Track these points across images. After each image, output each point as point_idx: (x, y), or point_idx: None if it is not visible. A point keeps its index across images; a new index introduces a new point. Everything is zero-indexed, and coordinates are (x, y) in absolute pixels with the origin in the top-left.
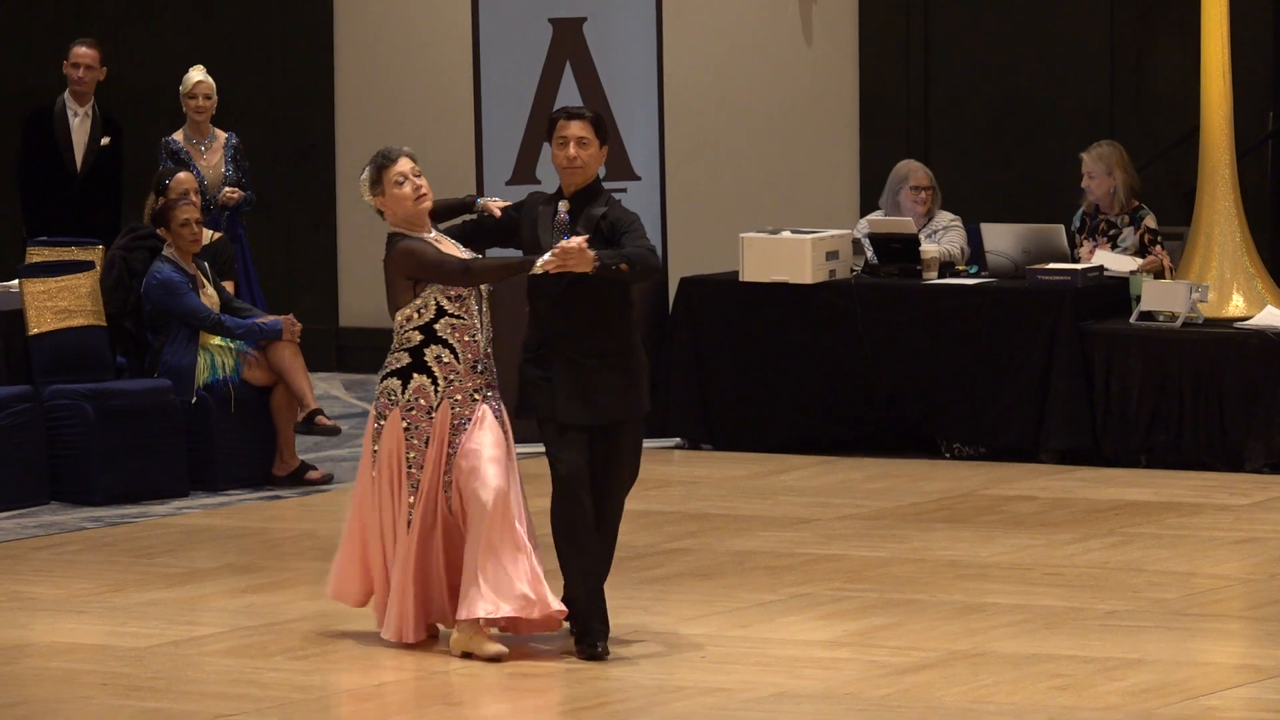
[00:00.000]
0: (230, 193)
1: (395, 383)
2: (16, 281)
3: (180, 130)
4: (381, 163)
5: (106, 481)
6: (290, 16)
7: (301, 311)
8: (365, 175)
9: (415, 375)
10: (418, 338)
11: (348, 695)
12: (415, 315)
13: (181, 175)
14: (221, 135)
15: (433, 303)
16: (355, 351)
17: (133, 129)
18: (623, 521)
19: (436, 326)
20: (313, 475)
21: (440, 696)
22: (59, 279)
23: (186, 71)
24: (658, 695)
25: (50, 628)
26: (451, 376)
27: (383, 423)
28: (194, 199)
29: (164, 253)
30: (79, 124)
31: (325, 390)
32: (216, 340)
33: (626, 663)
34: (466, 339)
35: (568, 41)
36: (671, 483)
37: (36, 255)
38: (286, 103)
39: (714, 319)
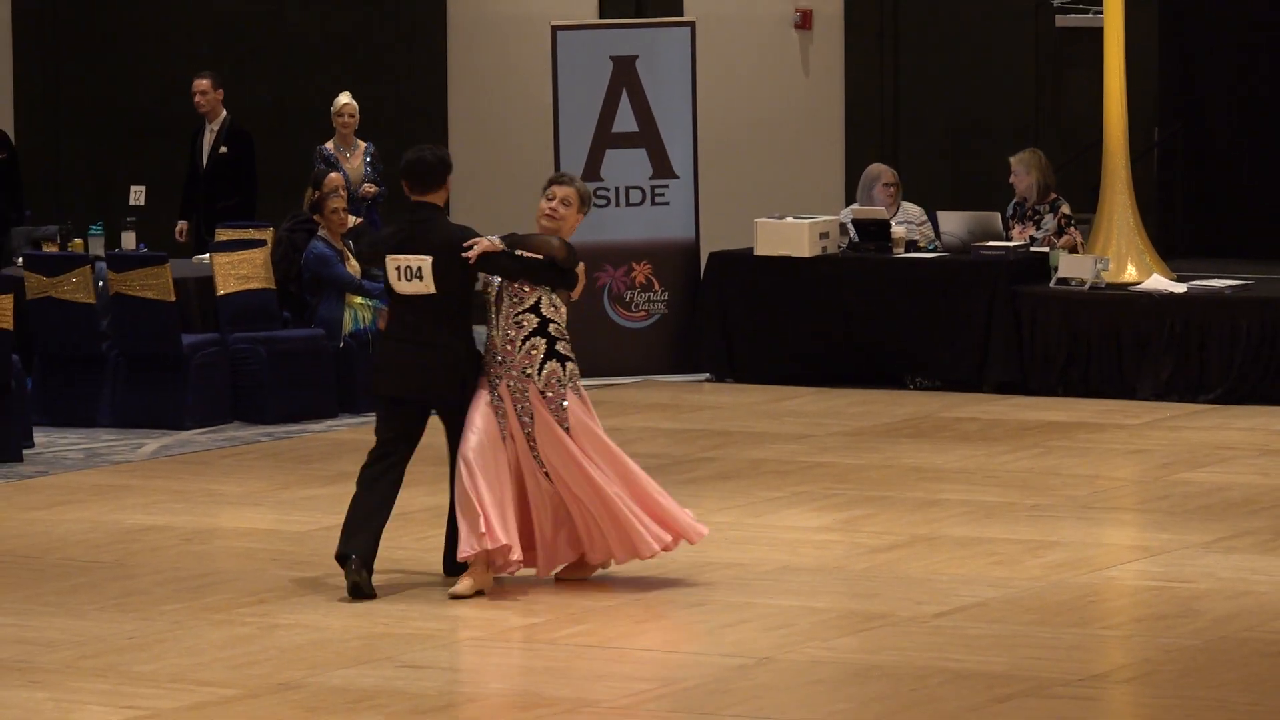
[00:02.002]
0: (368, 188)
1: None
2: (209, 255)
3: (330, 140)
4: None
5: (275, 406)
6: (413, 52)
7: None
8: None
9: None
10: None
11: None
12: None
13: (332, 175)
14: (362, 144)
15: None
16: None
17: (280, 136)
18: (665, 436)
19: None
20: None
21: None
22: (240, 253)
23: (337, 95)
24: (691, 568)
25: (233, 516)
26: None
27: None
28: (341, 193)
29: (319, 234)
30: (208, 136)
31: None
32: (358, 299)
33: None
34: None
35: (624, 74)
36: (702, 408)
37: (223, 235)
38: (410, 119)
39: (735, 283)
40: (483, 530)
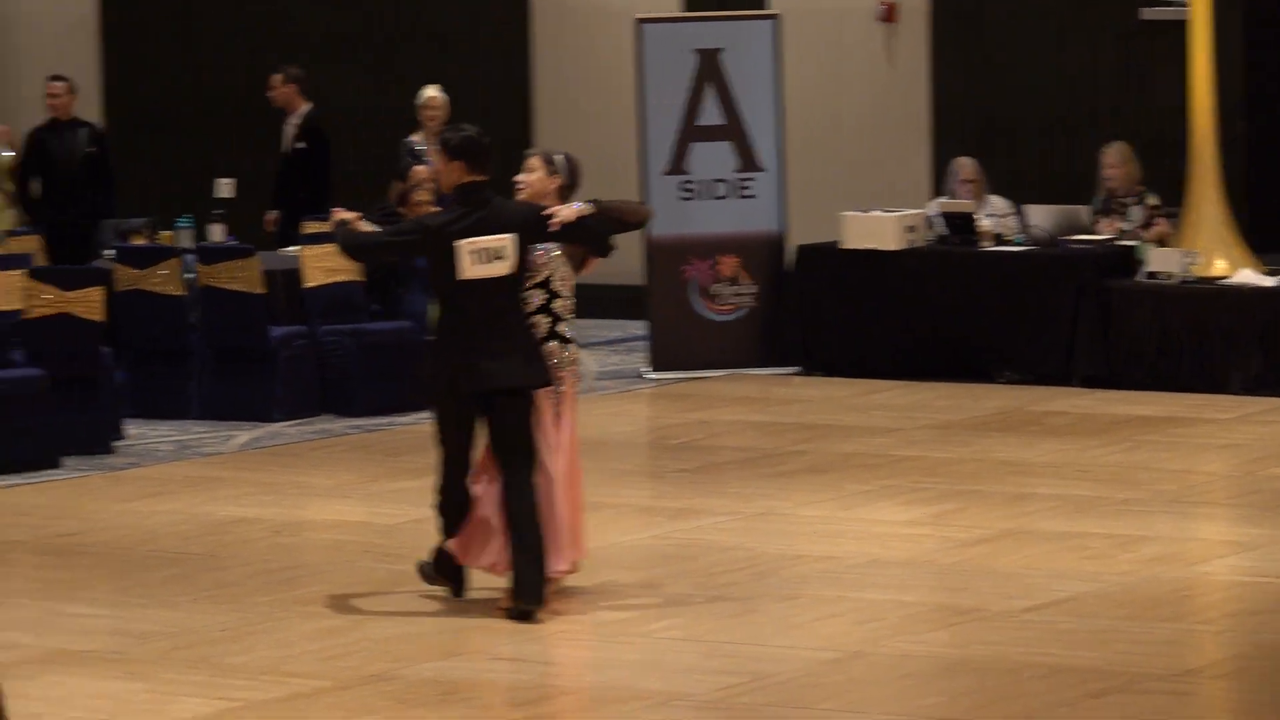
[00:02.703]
0: None
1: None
2: (297, 247)
3: (417, 133)
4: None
5: (364, 398)
6: (499, 46)
7: None
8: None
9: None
10: (535, 299)
11: None
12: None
13: (418, 168)
14: None
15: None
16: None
17: (367, 129)
18: (753, 429)
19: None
20: None
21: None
22: (328, 245)
23: (424, 88)
24: (782, 562)
25: (323, 508)
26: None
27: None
28: (427, 186)
29: None
30: (287, 130)
31: None
32: None
33: (759, 537)
34: None
35: (709, 66)
36: (790, 401)
37: (311, 227)
38: (496, 112)
39: (822, 276)
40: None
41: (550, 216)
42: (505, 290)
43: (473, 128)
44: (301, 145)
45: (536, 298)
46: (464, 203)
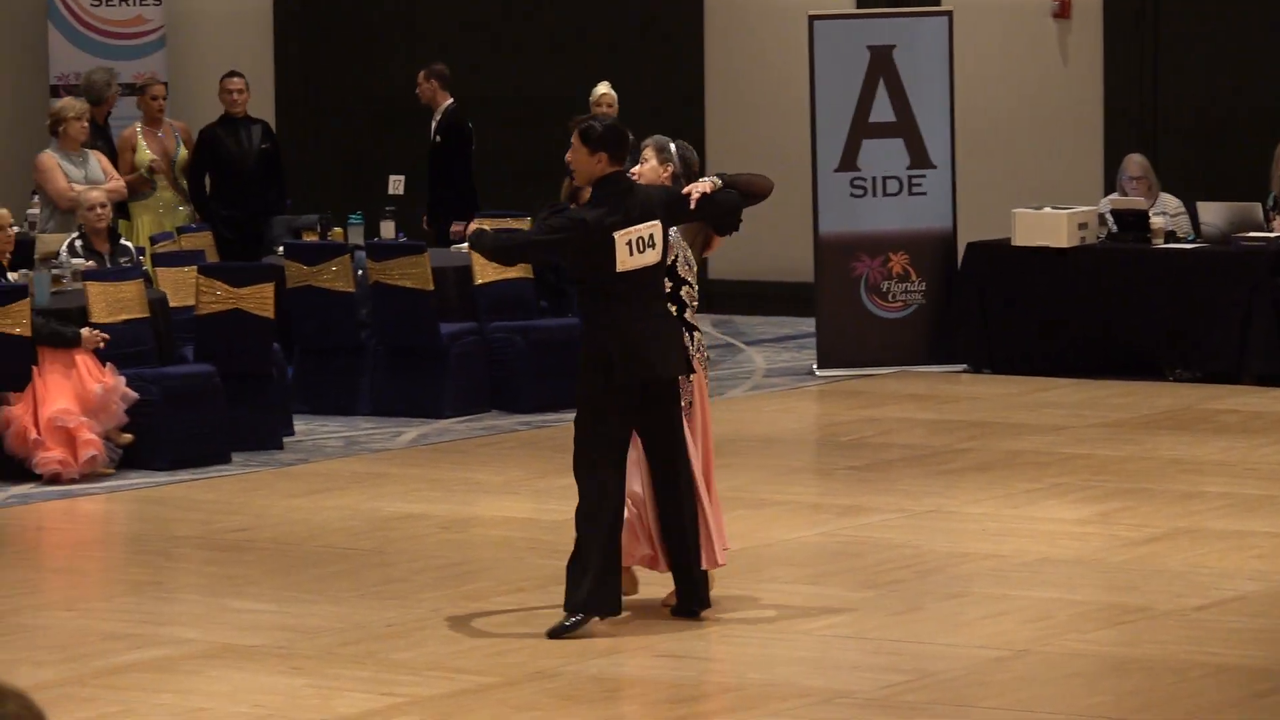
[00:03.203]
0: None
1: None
2: (466, 245)
3: None
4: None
5: (533, 394)
6: (671, 42)
7: None
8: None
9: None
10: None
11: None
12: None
13: None
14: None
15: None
16: (720, 297)
17: (537, 127)
18: (923, 427)
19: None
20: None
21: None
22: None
23: (596, 85)
24: (949, 559)
25: (491, 505)
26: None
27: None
28: None
29: None
30: (432, 126)
31: None
32: None
33: (926, 534)
34: None
35: (881, 63)
36: (959, 399)
37: (481, 224)
38: (668, 109)
39: (993, 273)
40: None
41: (688, 195)
42: (654, 278)
43: (597, 118)
44: (438, 140)
45: (665, 285)
46: (608, 194)
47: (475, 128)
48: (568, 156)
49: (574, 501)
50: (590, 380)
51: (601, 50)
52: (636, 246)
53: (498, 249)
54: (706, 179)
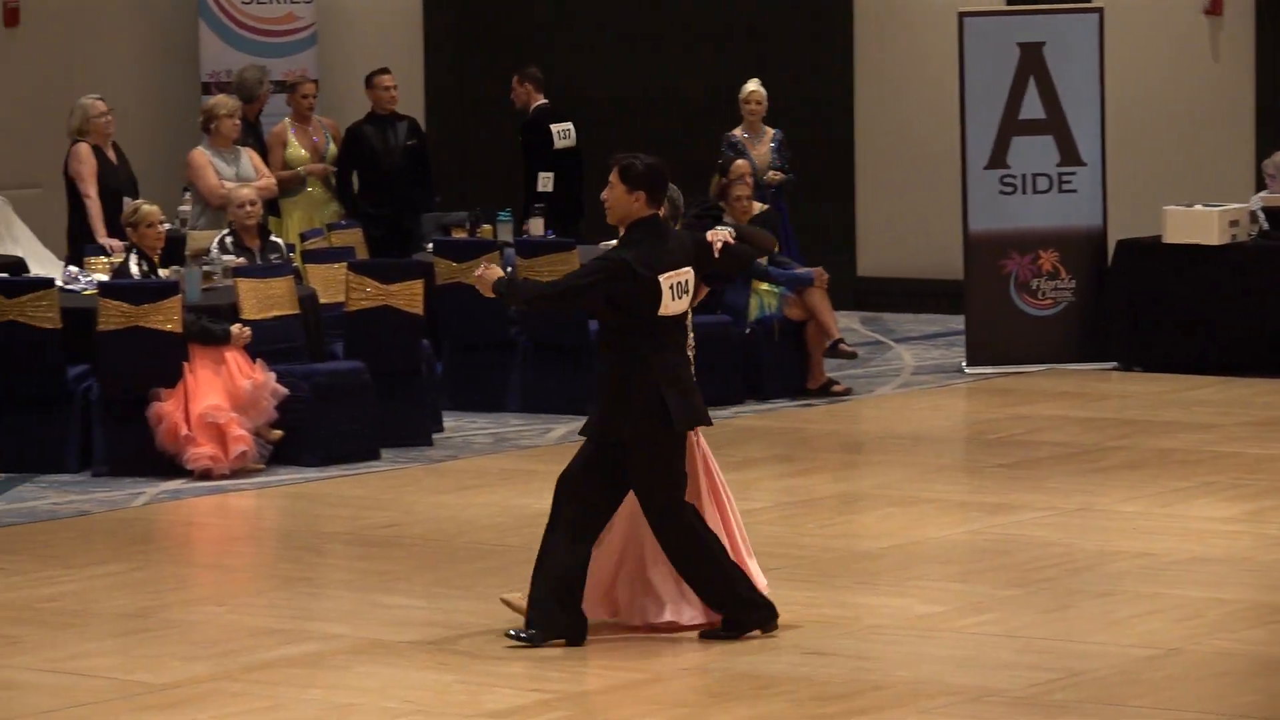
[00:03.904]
0: (774, 175)
1: None
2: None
3: (738, 127)
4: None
5: None
6: (821, 39)
7: (828, 264)
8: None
9: None
10: None
11: (863, 555)
12: None
13: (739, 162)
14: (770, 131)
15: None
16: (870, 295)
17: (688, 124)
18: (1073, 424)
19: None
20: (837, 388)
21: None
22: None
23: (745, 82)
24: (1098, 558)
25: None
26: None
27: None
28: (747, 180)
29: (724, 220)
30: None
31: (846, 324)
32: (764, 286)
33: (1076, 532)
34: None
35: (1031, 60)
36: (1109, 396)
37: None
38: (818, 107)
39: (1143, 271)
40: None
41: (711, 244)
42: (684, 324)
43: (653, 157)
44: (520, 139)
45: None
46: (644, 235)
47: (626, 125)
48: (604, 195)
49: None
50: (652, 427)
51: (751, 48)
52: (676, 292)
53: (536, 298)
54: (724, 228)
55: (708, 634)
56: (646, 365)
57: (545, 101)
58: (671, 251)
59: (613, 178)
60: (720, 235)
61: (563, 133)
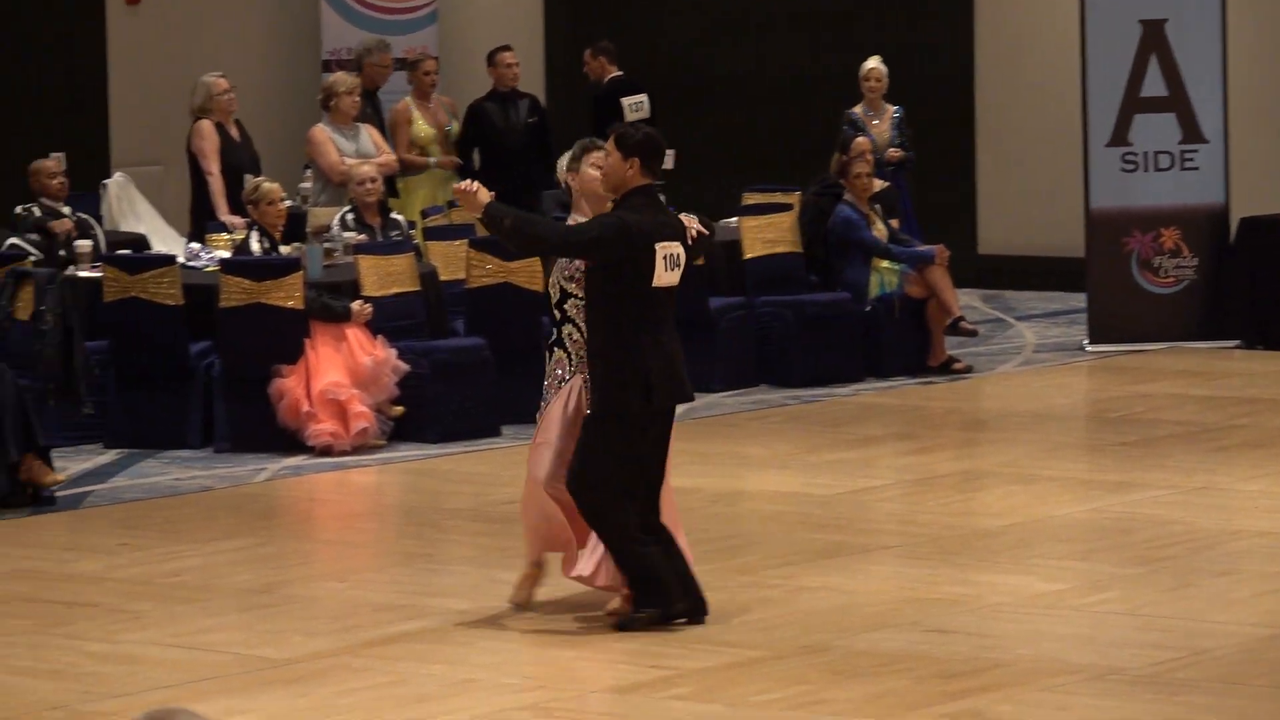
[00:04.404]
0: (894, 153)
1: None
2: (736, 219)
3: (859, 105)
4: (583, 150)
5: (802, 369)
6: (940, 17)
7: (949, 242)
8: (567, 155)
9: (555, 349)
10: (557, 315)
11: (984, 532)
12: (552, 294)
13: (860, 140)
14: (890, 109)
15: (558, 285)
16: (991, 272)
17: (808, 101)
18: (1194, 403)
19: (566, 307)
20: (958, 366)
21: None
22: (767, 217)
23: (865, 60)
24: (1220, 536)
25: (760, 479)
26: (582, 354)
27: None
28: (868, 158)
29: (845, 198)
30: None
31: (967, 302)
32: (884, 263)
33: (1198, 511)
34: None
35: (1153, 37)
36: (1231, 375)
37: (750, 199)
38: (937, 84)
39: (1266, 249)
40: None
41: (686, 229)
42: (670, 298)
43: (644, 126)
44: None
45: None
46: (640, 205)
47: (745, 104)
48: (599, 161)
49: (842, 477)
50: (626, 401)
51: (871, 26)
52: (669, 263)
53: (533, 239)
54: (694, 215)
55: (623, 623)
56: (633, 339)
57: (620, 74)
58: (666, 224)
59: (609, 145)
60: (693, 223)
61: (635, 105)
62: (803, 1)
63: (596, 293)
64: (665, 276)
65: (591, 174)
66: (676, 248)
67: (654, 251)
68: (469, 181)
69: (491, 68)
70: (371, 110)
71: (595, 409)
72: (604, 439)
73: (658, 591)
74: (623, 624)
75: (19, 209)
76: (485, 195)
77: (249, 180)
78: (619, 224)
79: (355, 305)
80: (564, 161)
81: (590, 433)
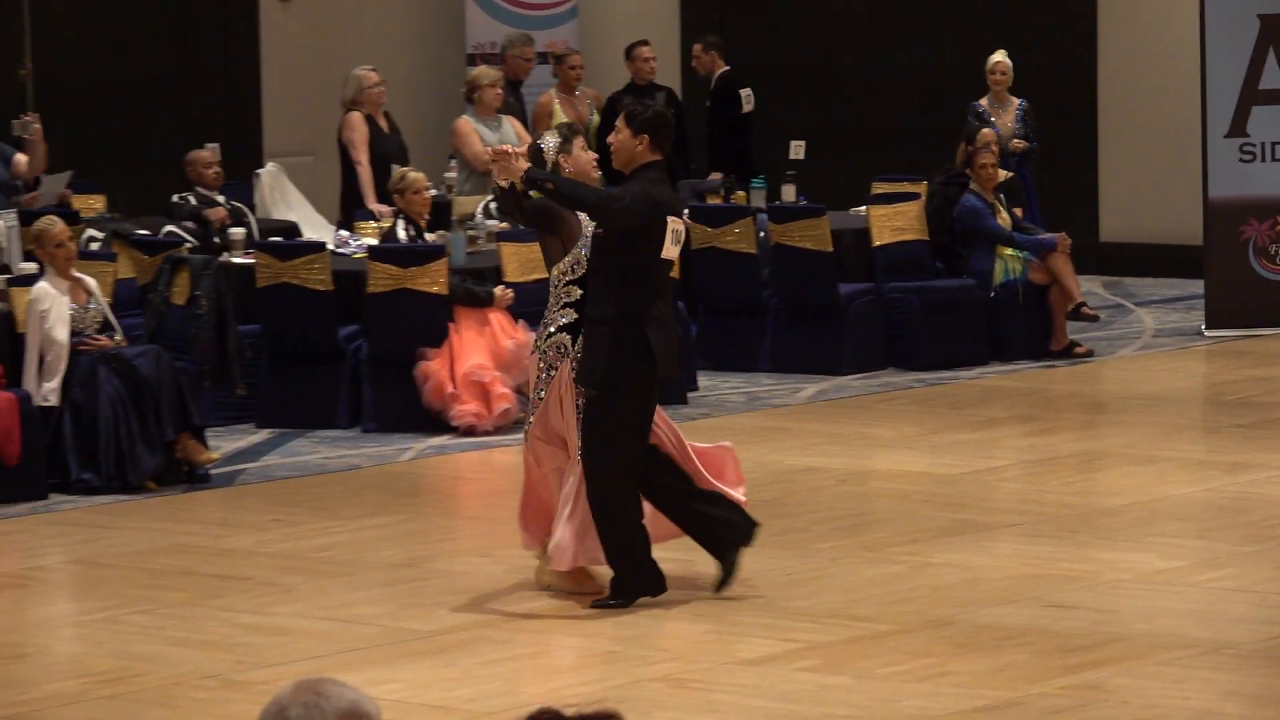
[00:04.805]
0: (1017, 143)
1: (566, 337)
2: (865, 208)
3: (984, 97)
4: (570, 133)
5: (928, 353)
6: (1065, 11)
7: (1071, 230)
8: (554, 140)
9: (548, 351)
10: (577, 292)
11: (1104, 511)
12: (570, 270)
13: (984, 131)
14: (1015, 101)
15: (583, 258)
16: (1112, 259)
17: (932, 94)
18: None
19: (559, 313)
20: (1079, 350)
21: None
22: (895, 206)
23: (992, 53)
24: None
25: (887, 459)
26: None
27: (553, 373)
28: (993, 149)
29: (970, 187)
30: (710, 93)
31: (1088, 288)
32: (1009, 251)
33: None
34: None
35: (1272, 31)
36: None
37: (878, 188)
38: (1061, 77)
39: None
40: None
41: None
42: (671, 273)
43: (652, 104)
44: (709, 105)
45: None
46: (652, 180)
47: (875, 95)
48: (610, 138)
49: (966, 457)
50: (631, 372)
51: (996, 19)
52: (675, 238)
53: (572, 198)
54: None
55: (597, 603)
56: (639, 310)
57: (728, 68)
58: (675, 200)
59: (619, 123)
60: None
61: (748, 97)
62: None
63: (606, 261)
64: (671, 250)
65: (585, 156)
66: (680, 224)
67: (665, 224)
68: (507, 146)
69: (629, 62)
70: (514, 101)
71: (600, 385)
72: (613, 418)
73: (636, 588)
74: (596, 604)
75: (176, 197)
76: (523, 161)
77: (395, 170)
78: (645, 194)
79: (497, 290)
80: (552, 145)
81: (596, 413)
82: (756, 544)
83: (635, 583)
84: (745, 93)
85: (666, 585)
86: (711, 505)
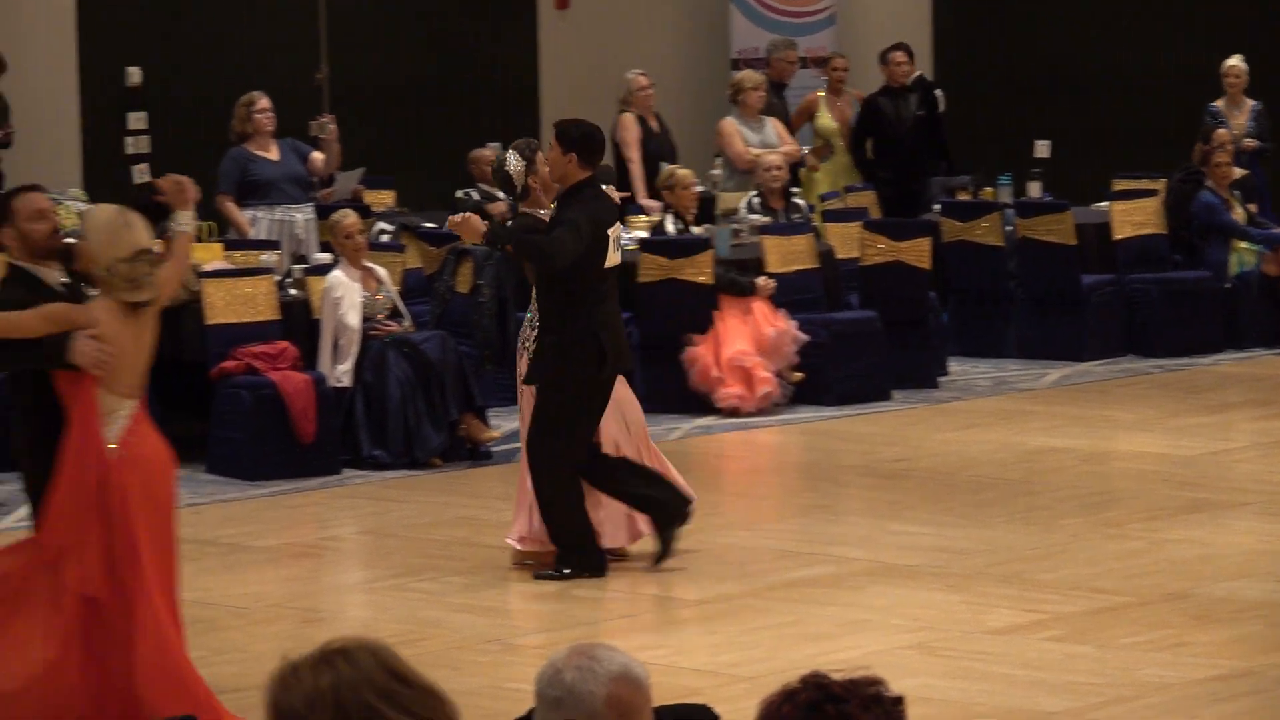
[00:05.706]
0: (1250, 142)
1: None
2: (1107, 203)
3: (1220, 99)
4: (532, 152)
5: (1166, 340)
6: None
7: None
8: (519, 163)
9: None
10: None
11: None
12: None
13: (1220, 131)
14: (1249, 103)
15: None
16: None
17: (1165, 96)
18: None
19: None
20: None
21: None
22: (1136, 201)
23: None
24: None
25: (1127, 440)
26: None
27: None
28: (1227, 148)
29: (1206, 184)
30: (913, 99)
31: None
32: (1243, 244)
33: None
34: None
35: None
36: None
37: (1119, 185)
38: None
39: None
40: None
41: None
42: (616, 276)
43: (592, 124)
44: (920, 113)
45: None
46: (587, 197)
47: (1113, 95)
48: (545, 155)
49: (1203, 439)
50: (580, 373)
51: (1235, 24)
52: (615, 245)
53: (545, 255)
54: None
55: (540, 574)
56: (588, 316)
57: (919, 73)
58: (610, 209)
59: (552, 140)
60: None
61: (940, 98)
62: (1171, 2)
63: (553, 275)
64: (613, 257)
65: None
66: (619, 230)
67: (607, 238)
68: (462, 215)
69: (884, 65)
70: (778, 102)
71: (551, 378)
72: (559, 409)
73: (582, 563)
74: (540, 575)
75: (459, 193)
76: (479, 223)
77: (664, 167)
78: (588, 220)
79: (760, 281)
80: (515, 163)
81: (545, 404)
82: (1003, 520)
83: (576, 562)
84: (939, 93)
85: (607, 568)
86: (648, 485)
